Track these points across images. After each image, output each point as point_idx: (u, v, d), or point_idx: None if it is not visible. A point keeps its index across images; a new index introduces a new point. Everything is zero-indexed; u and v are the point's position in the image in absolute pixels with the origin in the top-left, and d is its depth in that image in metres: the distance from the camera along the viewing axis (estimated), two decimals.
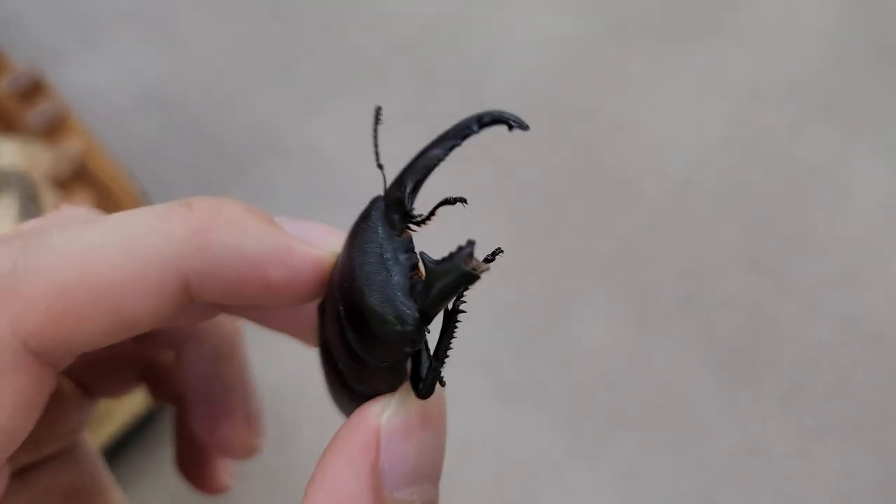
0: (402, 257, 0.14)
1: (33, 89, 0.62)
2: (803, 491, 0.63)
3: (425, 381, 0.14)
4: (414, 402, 0.14)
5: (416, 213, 0.15)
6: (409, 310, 0.13)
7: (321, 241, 0.15)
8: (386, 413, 0.14)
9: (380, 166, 0.16)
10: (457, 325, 0.14)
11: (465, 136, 0.14)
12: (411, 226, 0.15)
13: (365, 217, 0.15)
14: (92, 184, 0.59)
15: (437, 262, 0.13)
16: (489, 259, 0.14)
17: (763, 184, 0.80)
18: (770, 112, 0.86)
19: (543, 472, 0.65)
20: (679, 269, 0.73)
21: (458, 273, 0.13)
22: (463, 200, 0.15)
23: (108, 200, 0.62)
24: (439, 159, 0.14)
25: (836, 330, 0.70)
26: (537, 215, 0.68)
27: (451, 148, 0.14)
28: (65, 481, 0.17)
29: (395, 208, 0.15)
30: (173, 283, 0.13)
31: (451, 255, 0.13)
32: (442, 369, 0.14)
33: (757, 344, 0.70)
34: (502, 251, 0.14)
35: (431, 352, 0.14)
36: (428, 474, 0.14)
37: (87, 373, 0.19)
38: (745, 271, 0.74)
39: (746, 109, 0.86)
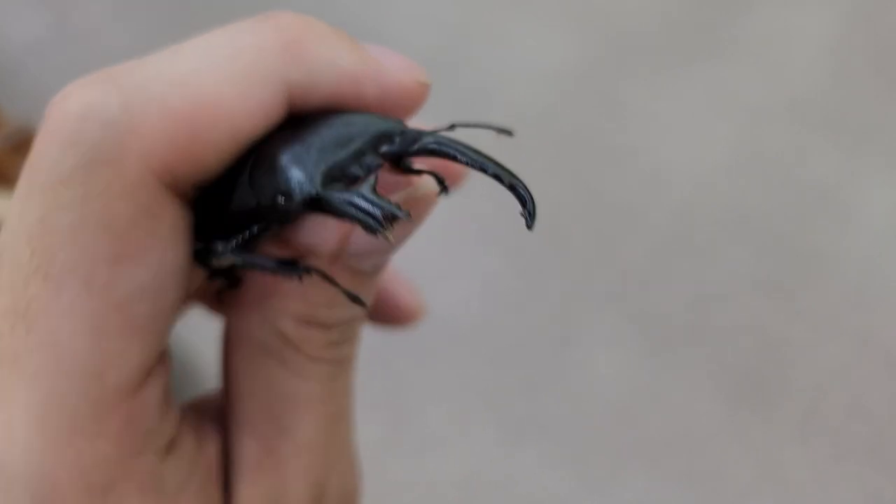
0: (367, 159, 0.13)
1: (25, 143, 0.61)
2: None
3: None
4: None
5: (410, 163, 0.14)
6: (305, 187, 0.13)
7: (400, 69, 0.15)
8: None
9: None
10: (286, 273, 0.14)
11: (507, 182, 0.14)
12: (396, 163, 0.14)
13: (375, 115, 0.14)
14: None
15: (377, 196, 0.12)
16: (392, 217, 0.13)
17: (767, 205, 0.79)
18: (772, 132, 0.86)
19: None
20: (685, 296, 0.72)
21: (365, 221, 0.12)
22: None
23: None
24: (472, 164, 0.14)
25: (849, 351, 0.69)
26: (538, 246, 0.68)
27: (483, 168, 0.14)
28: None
29: (404, 137, 0.14)
30: (280, 95, 0.13)
31: (390, 204, 0.12)
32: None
33: (768, 369, 0.69)
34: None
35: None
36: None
37: None
38: (753, 295, 0.73)
39: (747, 131, 0.86)
